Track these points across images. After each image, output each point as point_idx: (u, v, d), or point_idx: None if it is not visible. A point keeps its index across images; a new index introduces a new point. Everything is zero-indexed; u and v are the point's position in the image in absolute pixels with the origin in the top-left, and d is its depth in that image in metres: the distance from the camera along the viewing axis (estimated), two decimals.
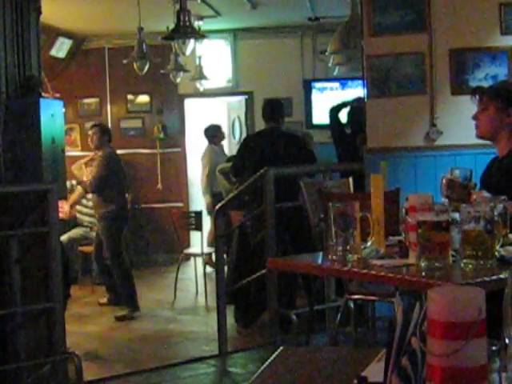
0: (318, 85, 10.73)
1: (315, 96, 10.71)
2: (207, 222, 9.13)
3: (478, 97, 3.68)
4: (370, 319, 5.31)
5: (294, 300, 6.73)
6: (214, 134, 10.19)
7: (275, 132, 6.88)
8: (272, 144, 6.75)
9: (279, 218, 5.88)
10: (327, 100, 10.14)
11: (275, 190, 5.68)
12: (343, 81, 10.45)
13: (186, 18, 6.63)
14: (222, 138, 10.42)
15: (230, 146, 11.32)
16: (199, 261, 8.89)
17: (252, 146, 6.87)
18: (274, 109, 6.99)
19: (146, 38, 8.64)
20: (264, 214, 5.73)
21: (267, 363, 1.79)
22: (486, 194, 3.17)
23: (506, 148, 3.62)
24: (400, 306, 1.35)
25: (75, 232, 9.33)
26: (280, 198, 5.78)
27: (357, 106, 7.08)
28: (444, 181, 3.41)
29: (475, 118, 3.68)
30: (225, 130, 10.68)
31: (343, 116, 7.62)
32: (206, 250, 8.76)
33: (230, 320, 6.52)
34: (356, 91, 9.19)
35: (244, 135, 10.66)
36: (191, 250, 9.57)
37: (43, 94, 5.57)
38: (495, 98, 3.61)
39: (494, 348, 1.23)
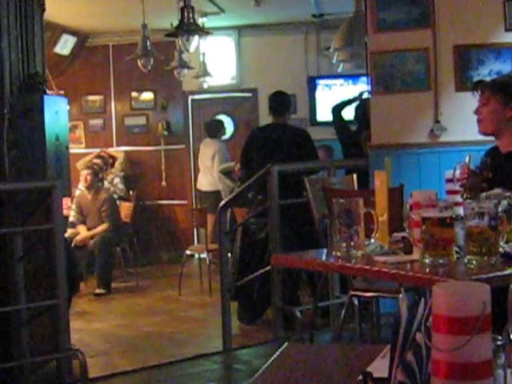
0: (322, 81, 10.72)
1: (319, 93, 10.70)
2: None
3: (479, 91, 3.65)
4: (375, 316, 5.30)
5: (297, 297, 6.74)
6: (217, 128, 10.25)
7: (281, 126, 6.88)
8: (277, 138, 6.75)
9: (285, 213, 5.89)
10: (331, 97, 10.13)
11: (281, 185, 5.68)
12: (347, 77, 10.44)
13: (190, 15, 6.64)
14: (224, 132, 10.48)
15: None
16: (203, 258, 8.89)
17: (257, 139, 6.88)
18: (280, 102, 6.98)
19: (150, 35, 8.65)
20: (268, 211, 5.74)
21: (272, 359, 1.79)
22: (498, 190, 3.14)
23: (510, 144, 3.60)
24: (405, 302, 1.35)
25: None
26: (285, 193, 5.78)
27: (364, 103, 7.09)
28: (458, 167, 3.38)
29: (477, 112, 3.66)
30: None
31: (349, 113, 7.62)
32: (211, 246, 8.76)
33: (234, 317, 6.53)
34: (360, 88, 9.18)
35: None
36: (195, 247, 9.59)
37: (47, 91, 5.57)
38: (498, 92, 3.58)
39: (498, 343, 1.23)
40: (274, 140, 6.74)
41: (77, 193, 9.52)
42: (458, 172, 3.39)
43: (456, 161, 3.52)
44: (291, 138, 6.75)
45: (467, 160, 3.41)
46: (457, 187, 3.38)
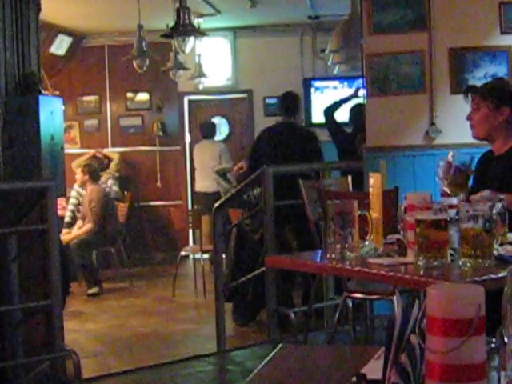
0: (317, 83, 10.73)
1: (314, 95, 10.70)
2: None
3: (470, 97, 3.65)
4: (369, 317, 5.31)
5: (291, 298, 6.74)
6: (212, 130, 10.38)
7: (288, 126, 6.94)
8: (284, 138, 6.79)
9: (286, 214, 5.94)
10: (326, 98, 10.13)
11: (282, 186, 5.72)
12: (343, 79, 10.44)
13: (186, 16, 6.64)
14: (216, 134, 10.59)
15: None
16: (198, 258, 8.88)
17: (265, 139, 6.96)
18: (288, 103, 7.04)
19: (146, 36, 8.63)
20: (263, 212, 5.74)
21: (266, 360, 1.80)
22: (487, 192, 3.16)
23: (504, 146, 3.60)
24: (399, 304, 1.36)
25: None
26: (286, 194, 5.79)
27: (359, 105, 7.10)
28: (442, 163, 3.42)
29: (469, 118, 3.66)
30: None
31: (344, 115, 7.62)
32: (205, 247, 8.76)
33: (229, 318, 6.53)
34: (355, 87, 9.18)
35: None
36: (190, 248, 9.58)
37: (43, 92, 5.57)
38: (487, 98, 3.58)
39: (492, 346, 1.23)
40: (280, 140, 6.79)
41: (72, 193, 9.52)
42: (440, 170, 3.42)
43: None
44: (298, 138, 6.80)
45: (450, 156, 3.43)
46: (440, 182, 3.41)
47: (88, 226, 8.95)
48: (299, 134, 6.87)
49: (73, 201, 9.52)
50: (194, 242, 10.54)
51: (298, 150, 6.67)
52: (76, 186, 9.60)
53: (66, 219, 9.30)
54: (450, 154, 3.45)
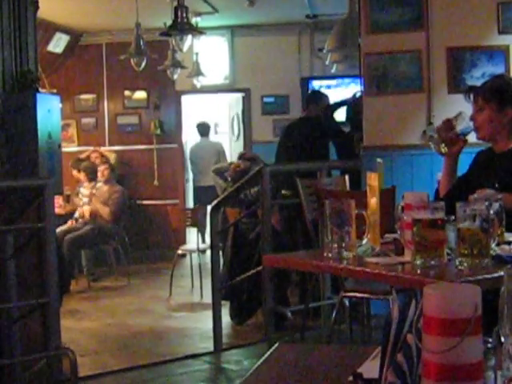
0: (315, 82, 10.72)
1: None
2: None
3: (471, 97, 3.62)
4: (365, 317, 5.31)
5: (287, 297, 6.74)
6: (208, 129, 10.90)
7: (301, 120, 7.38)
8: (300, 132, 7.13)
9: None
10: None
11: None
12: (341, 78, 10.44)
13: (184, 15, 6.64)
14: (209, 132, 11.14)
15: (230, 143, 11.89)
16: (195, 257, 8.88)
17: (285, 133, 7.38)
18: (307, 98, 7.56)
19: (144, 34, 8.63)
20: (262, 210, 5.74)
21: (263, 359, 1.79)
22: (489, 191, 3.15)
23: (506, 146, 3.58)
24: (396, 303, 1.36)
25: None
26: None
27: (356, 104, 7.10)
28: (443, 120, 3.48)
29: (472, 120, 3.62)
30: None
31: (341, 114, 7.63)
32: (202, 246, 8.76)
33: (225, 317, 6.53)
34: (353, 89, 9.18)
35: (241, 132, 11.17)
36: (187, 247, 9.57)
37: (40, 90, 5.57)
38: (490, 99, 3.54)
39: (489, 345, 1.23)
40: (296, 133, 7.19)
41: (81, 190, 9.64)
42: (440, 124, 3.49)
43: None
44: (307, 130, 7.10)
45: (453, 117, 3.45)
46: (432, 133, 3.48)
47: (107, 210, 9.06)
48: (305, 125, 7.18)
49: (78, 201, 9.62)
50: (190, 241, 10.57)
51: (306, 142, 6.95)
52: (85, 185, 9.70)
53: (76, 214, 9.46)
54: (456, 113, 3.47)
